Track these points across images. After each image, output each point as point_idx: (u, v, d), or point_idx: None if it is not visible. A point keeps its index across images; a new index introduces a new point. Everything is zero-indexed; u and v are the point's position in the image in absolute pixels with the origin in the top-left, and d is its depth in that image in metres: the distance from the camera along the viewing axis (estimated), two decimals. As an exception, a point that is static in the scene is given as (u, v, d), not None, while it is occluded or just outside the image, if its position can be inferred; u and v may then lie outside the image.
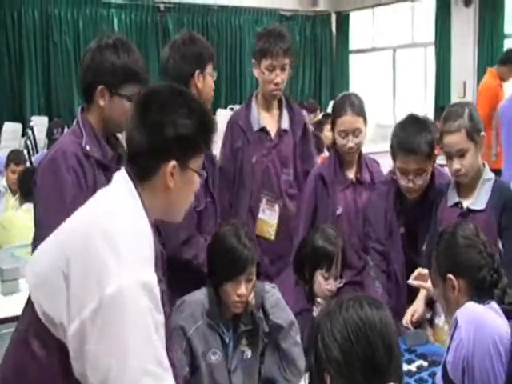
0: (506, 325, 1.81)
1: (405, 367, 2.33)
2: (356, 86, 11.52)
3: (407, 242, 2.72)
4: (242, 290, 2.07)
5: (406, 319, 2.51)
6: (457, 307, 1.90)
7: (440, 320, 2.58)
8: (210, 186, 2.53)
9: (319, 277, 2.47)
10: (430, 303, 2.65)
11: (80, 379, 1.35)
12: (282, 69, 2.88)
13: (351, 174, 2.91)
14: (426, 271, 2.41)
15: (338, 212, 2.86)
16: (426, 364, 2.36)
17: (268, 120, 3.00)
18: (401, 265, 2.71)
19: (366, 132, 2.88)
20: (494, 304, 1.85)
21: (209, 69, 2.54)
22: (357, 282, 2.82)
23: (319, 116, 8.28)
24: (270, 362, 2.19)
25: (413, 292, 2.63)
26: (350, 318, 1.41)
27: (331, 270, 2.47)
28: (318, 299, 2.51)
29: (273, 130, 2.99)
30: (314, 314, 2.49)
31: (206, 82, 2.53)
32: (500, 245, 2.41)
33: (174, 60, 2.52)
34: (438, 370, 1.88)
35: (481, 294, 1.86)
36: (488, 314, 1.81)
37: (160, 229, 2.03)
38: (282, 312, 2.16)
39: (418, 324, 2.59)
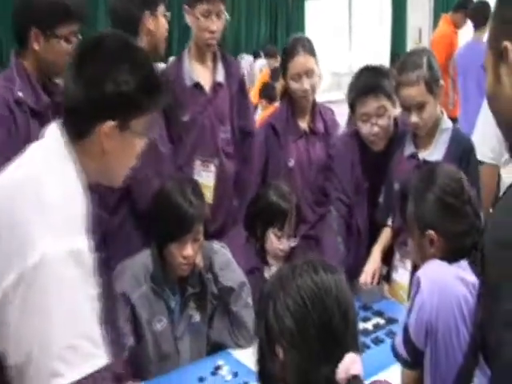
0: (472, 283, 1.70)
1: (361, 325, 2.24)
2: (312, 32, 11.27)
3: (371, 196, 2.61)
4: (188, 251, 1.92)
5: (365, 280, 2.42)
6: (429, 259, 1.75)
7: (397, 275, 2.49)
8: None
9: (272, 235, 2.34)
10: (385, 257, 2.57)
11: None
12: (218, 15, 2.62)
13: (304, 124, 2.76)
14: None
15: (291, 164, 2.71)
16: (382, 322, 2.28)
17: (202, 73, 2.74)
18: (364, 220, 2.62)
19: (321, 77, 2.71)
20: (463, 262, 1.74)
21: (161, 9, 2.40)
22: (311, 236, 2.70)
23: (278, 61, 8.05)
24: (219, 326, 2.07)
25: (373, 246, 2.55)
26: (304, 284, 1.28)
27: (284, 229, 2.34)
28: (270, 259, 2.39)
29: (207, 84, 2.74)
30: (266, 274, 2.37)
31: (158, 24, 2.39)
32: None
33: (122, 2, 2.36)
34: (398, 333, 1.78)
35: (458, 255, 1.71)
36: (453, 274, 1.69)
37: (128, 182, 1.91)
38: (233, 273, 2.03)
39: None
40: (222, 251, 2.04)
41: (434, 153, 2.34)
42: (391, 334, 2.17)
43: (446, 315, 1.63)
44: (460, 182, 1.73)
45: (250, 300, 2.06)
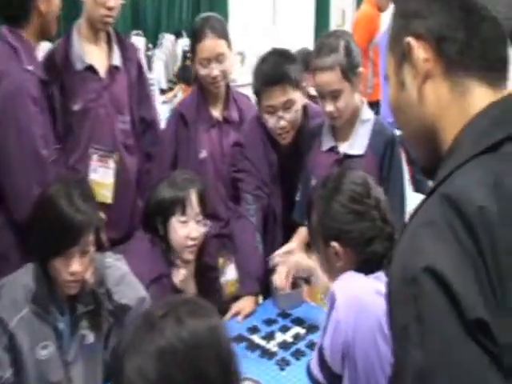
0: None
1: (279, 337, 2.04)
2: (235, 12, 10.96)
3: (287, 192, 2.42)
4: (74, 267, 1.64)
5: (280, 284, 2.21)
6: (339, 274, 1.59)
7: (317, 280, 2.29)
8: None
9: (175, 224, 2.09)
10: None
11: None
12: None
13: (217, 112, 2.51)
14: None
15: (202, 156, 2.47)
16: (303, 331, 2.08)
17: (95, 55, 2.42)
18: (281, 210, 2.44)
19: (234, 60, 2.47)
20: (380, 274, 1.55)
21: None
22: (225, 234, 2.47)
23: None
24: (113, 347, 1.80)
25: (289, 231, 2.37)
26: (165, 344, 1.03)
27: (187, 212, 2.09)
28: (178, 260, 2.14)
29: (102, 68, 2.43)
30: (175, 279, 2.13)
31: (51, 3, 2.14)
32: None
33: None
34: (313, 354, 1.58)
35: (369, 265, 1.55)
36: (371, 288, 1.51)
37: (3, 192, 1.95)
38: (129, 289, 1.76)
39: (293, 282, 2.31)
40: (116, 265, 1.77)
41: (355, 146, 2.14)
42: (313, 346, 1.98)
43: (364, 335, 1.46)
44: (366, 186, 1.56)
45: None
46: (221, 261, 2.45)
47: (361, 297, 1.48)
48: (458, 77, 0.84)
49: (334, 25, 8.94)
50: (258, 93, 2.27)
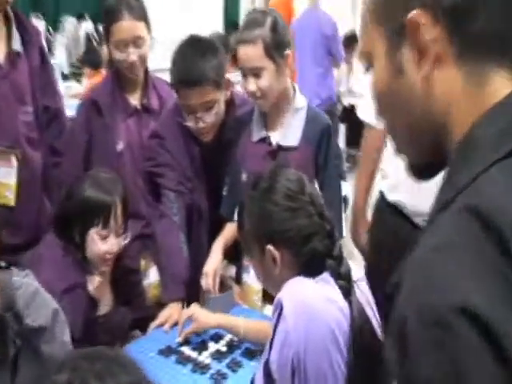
0: (342, 302, 1.38)
1: (212, 347, 1.87)
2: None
3: (209, 186, 2.23)
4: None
5: (207, 285, 2.03)
6: (280, 282, 1.45)
7: (249, 277, 2.13)
8: None
9: (94, 236, 1.85)
10: (233, 256, 2.21)
11: None
12: None
13: (135, 100, 2.28)
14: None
15: (119, 148, 2.23)
16: (237, 338, 1.91)
17: None
18: (206, 206, 2.26)
19: (153, 44, 2.24)
20: (326, 275, 1.42)
21: None
22: (146, 234, 2.25)
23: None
24: (26, 374, 1.55)
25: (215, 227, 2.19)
26: None
27: (109, 225, 1.86)
28: (93, 270, 1.91)
29: (1, 54, 2.14)
30: (90, 286, 1.90)
31: None
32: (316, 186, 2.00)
33: None
34: (258, 369, 1.42)
35: (311, 267, 1.42)
36: (321, 294, 1.37)
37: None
38: (42, 308, 1.52)
39: (221, 283, 2.14)
40: (25, 284, 1.52)
41: (289, 136, 2.00)
42: (249, 354, 1.82)
43: (316, 345, 1.32)
44: (300, 183, 1.46)
45: (66, 333, 1.58)
46: (143, 263, 2.24)
47: (310, 304, 1.35)
48: (475, 62, 0.67)
49: (243, 9, 8.77)
50: (175, 88, 2.08)
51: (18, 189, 2.12)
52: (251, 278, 2.12)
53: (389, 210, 2.09)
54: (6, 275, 1.46)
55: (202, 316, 1.86)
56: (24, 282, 1.50)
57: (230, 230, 2.18)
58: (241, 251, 2.13)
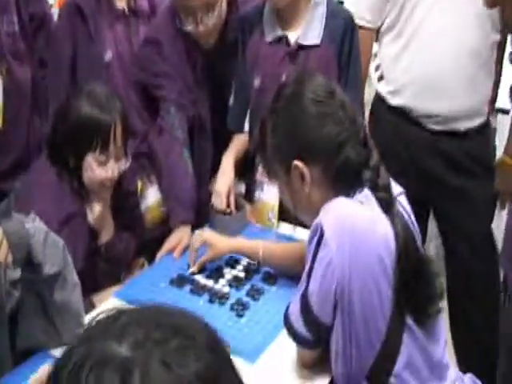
0: (386, 220, 1.21)
1: (229, 274, 1.71)
2: None
3: (213, 95, 2.00)
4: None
5: (221, 206, 1.85)
6: (312, 205, 1.27)
7: (263, 193, 1.95)
8: None
9: (92, 162, 1.64)
10: (242, 172, 2.01)
11: None
12: None
13: (121, 2, 2.00)
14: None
15: (107, 58, 1.98)
16: (254, 262, 1.75)
17: None
18: (209, 118, 2.04)
19: None
20: (366, 192, 1.23)
21: None
22: (142, 153, 2.02)
23: None
24: (32, 325, 1.38)
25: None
26: None
27: (109, 149, 1.64)
28: (92, 197, 1.71)
29: None
30: (90, 216, 1.71)
31: None
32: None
33: None
34: (292, 302, 1.26)
35: (345, 181, 1.24)
36: (365, 215, 1.20)
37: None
38: (54, 252, 1.31)
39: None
40: (37, 229, 1.29)
41: (309, 33, 1.77)
42: (270, 279, 1.67)
43: (363, 273, 1.17)
44: (329, 87, 1.30)
45: (74, 273, 1.41)
46: (139, 184, 2.04)
47: (355, 227, 1.18)
48: None
49: None
50: None
51: (5, 108, 1.89)
52: (265, 194, 1.95)
53: (390, 114, 2.04)
54: (18, 225, 1.25)
55: (217, 242, 1.69)
56: (35, 225, 1.29)
57: (239, 143, 1.99)
58: (251, 166, 1.95)
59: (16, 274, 1.29)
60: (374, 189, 1.24)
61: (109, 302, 1.63)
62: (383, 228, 1.19)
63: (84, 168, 1.65)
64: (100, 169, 1.65)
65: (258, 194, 1.97)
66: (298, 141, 1.25)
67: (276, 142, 1.29)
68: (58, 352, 1.40)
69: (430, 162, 2.00)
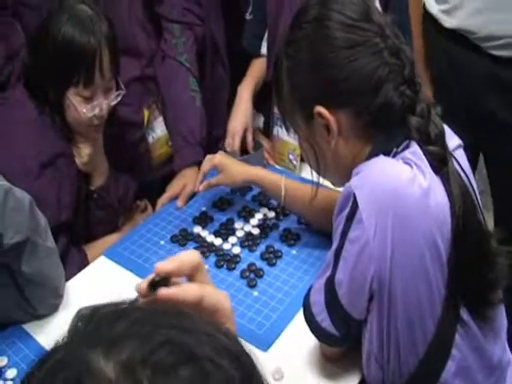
0: (440, 186, 0.91)
1: (240, 229, 1.44)
2: None
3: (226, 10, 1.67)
4: None
5: (233, 145, 1.57)
6: (336, 164, 1.01)
7: (283, 131, 1.65)
8: None
9: (73, 100, 1.34)
10: (260, 104, 1.71)
11: None
12: None
13: None
14: None
15: None
16: (272, 215, 1.47)
17: None
18: (223, 38, 1.75)
19: None
20: (413, 147, 0.93)
21: None
22: (148, 76, 1.69)
23: None
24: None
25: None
26: None
27: (94, 81, 1.33)
28: (79, 138, 1.42)
29: None
30: (77, 160, 1.42)
31: None
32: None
33: None
34: (314, 289, 0.99)
35: (384, 133, 0.95)
36: (413, 181, 0.88)
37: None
38: (17, 215, 1.02)
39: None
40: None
41: None
42: (290, 238, 1.39)
43: (408, 260, 0.88)
44: (364, 7, 0.97)
45: (49, 235, 1.15)
46: (146, 113, 1.73)
47: (400, 199, 0.88)
48: None
49: None
50: None
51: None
52: (285, 134, 1.64)
53: (443, 40, 1.66)
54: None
55: (232, 166, 1.40)
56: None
57: (258, 68, 1.68)
58: (269, 96, 1.62)
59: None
60: (424, 142, 0.93)
61: (99, 261, 1.39)
62: (437, 198, 0.89)
63: (66, 105, 1.35)
64: (85, 105, 1.34)
65: (276, 130, 1.67)
66: (322, 79, 0.95)
67: (294, 81, 0.99)
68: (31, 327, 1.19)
69: (487, 98, 1.65)
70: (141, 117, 1.70)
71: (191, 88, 1.62)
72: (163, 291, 0.53)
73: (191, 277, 0.58)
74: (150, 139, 1.73)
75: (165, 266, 0.55)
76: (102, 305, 0.43)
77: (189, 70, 1.62)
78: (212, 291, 0.56)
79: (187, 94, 1.61)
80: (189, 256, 0.58)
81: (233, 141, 1.57)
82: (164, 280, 0.54)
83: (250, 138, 1.60)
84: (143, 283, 0.54)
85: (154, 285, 0.53)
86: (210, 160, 1.44)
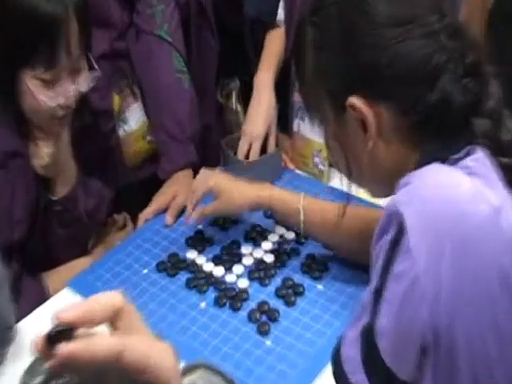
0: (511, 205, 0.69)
1: (249, 255, 1.10)
2: None
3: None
4: None
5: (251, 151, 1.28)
6: (374, 170, 0.80)
7: (304, 125, 1.33)
8: None
9: (31, 84, 1.06)
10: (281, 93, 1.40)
11: None
12: None
13: None
14: None
15: None
16: (291, 236, 1.13)
17: None
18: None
19: None
20: (478, 154, 0.72)
21: None
22: (119, 52, 1.35)
23: None
24: None
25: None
26: None
27: (58, 61, 1.04)
28: (38, 134, 1.12)
29: None
30: (34, 161, 1.13)
31: None
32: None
33: None
34: (346, 339, 0.72)
35: (439, 135, 0.74)
36: (479, 197, 0.66)
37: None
38: None
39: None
40: None
41: None
42: (312, 268, 1.07)
43: (473, 302, 0.66)
44: None
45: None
46: (116, 100, 1.39)
47: (462, 222, 0.66)
48: None
49: None
50: None
51: None
52: (307, 128, 1.33)
53: None
54: None
55: (231, 190, 1.09)
56: None
57: (276, 43, 1.40)
58: (287, 80, 1.36)
59: None
60: (493, 148, 0.73)
61: (62, 294, 1.10)
62: (509, 218, 0.67)
63: (23, 91, 1.06)
64: (46, 92, 1.05)
65: (297, 124, 1.35)
66: (358, 61, 0.74)
67: (321, 64, 0.79)
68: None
69: None
70: (110, 104, 1.37)
71: (176, 68, 1.32)
72: (64, 347, 0.43)
73: (111, 325, 0.47)
74: (121, 132, 1.40)
75: (67, 313, 0.45)
76: None
77: (171, 44, 1.32)
78: (138, 343, 0.45)
79: (171, 75, 1.32)
80: (107, 298, 0.46)
81: (252, 147, 1.28)
82: (65, 332, 0.44)
83: (272, 142, 1.31)
84: (39, 338, 0.44)
85: (52, 339, 0.43)
86: (204, 182, 1.12)
